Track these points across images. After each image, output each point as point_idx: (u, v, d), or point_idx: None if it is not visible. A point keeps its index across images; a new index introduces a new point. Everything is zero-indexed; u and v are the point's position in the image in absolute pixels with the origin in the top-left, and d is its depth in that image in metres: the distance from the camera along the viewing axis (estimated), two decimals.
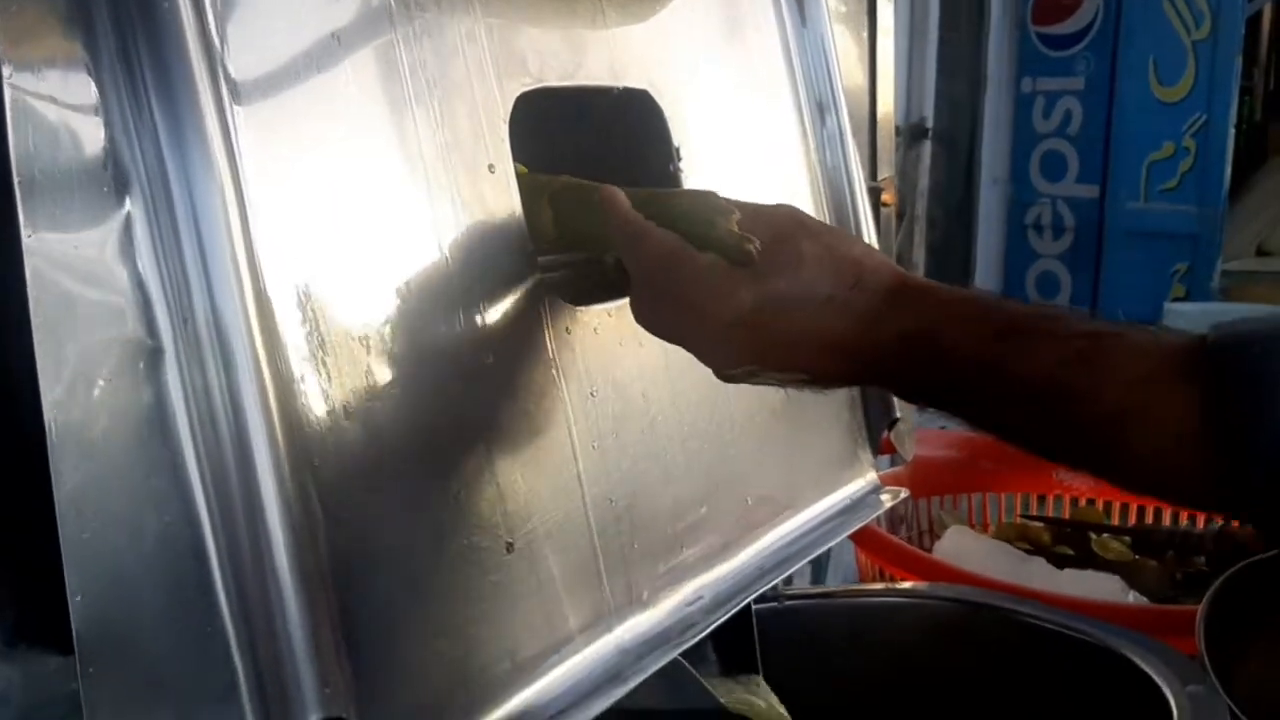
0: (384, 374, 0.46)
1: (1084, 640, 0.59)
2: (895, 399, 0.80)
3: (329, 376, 0.43)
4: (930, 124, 2.67)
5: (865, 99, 1.14)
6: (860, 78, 1.18)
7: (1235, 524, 0.87)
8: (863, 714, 0.69)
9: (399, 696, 0.44)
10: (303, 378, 0.42)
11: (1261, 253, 3.45)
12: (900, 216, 2.61)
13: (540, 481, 0.53)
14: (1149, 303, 3.16)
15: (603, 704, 0.51)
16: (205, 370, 0.39)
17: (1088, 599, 0.69)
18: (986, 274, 3.28)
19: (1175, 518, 0.92)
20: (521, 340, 0.53)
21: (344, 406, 0.44)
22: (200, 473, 0.39)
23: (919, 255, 2.71)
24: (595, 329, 0.58)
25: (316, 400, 0.42)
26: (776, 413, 0.71)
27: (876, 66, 1.25)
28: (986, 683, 0.65)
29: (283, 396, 0.41)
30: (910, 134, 2.60)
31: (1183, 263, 3.22)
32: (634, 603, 0.57)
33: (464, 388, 0.50)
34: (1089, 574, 0.78)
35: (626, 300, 0.57)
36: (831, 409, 0.77)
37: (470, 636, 0.48)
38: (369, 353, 0.45)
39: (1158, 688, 0.52)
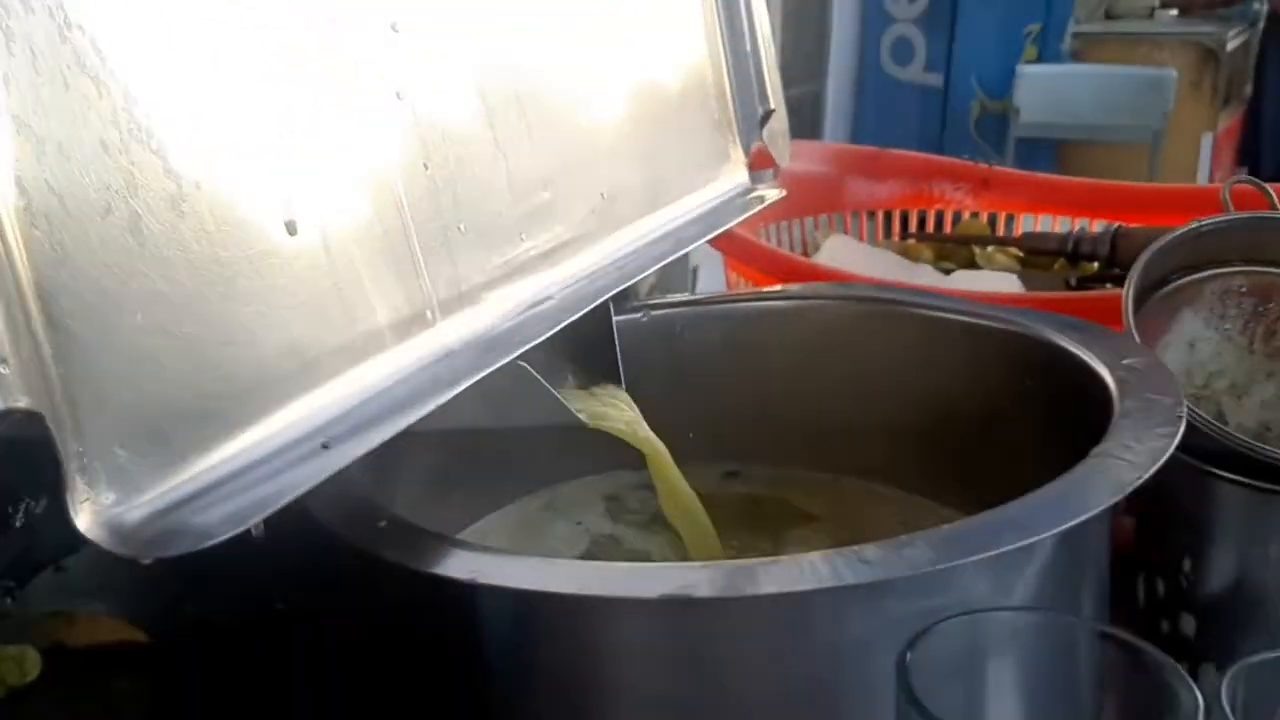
0: None
1: (997, 328, 0.51)
2: (770, 87, 0.69)
3: None
4: None
5: None
6: None
7: (1129, 223, 0.81)
8: (745, 432, 0.60)
9: (130, 389, 0.32)
10: None
11: (1110, 15, 3.44)
12: None
13: (325, 131, 0.40)
14: (1002, 65, 3.13)
15: (422, 410, 0.40)
16: None
17: (990, 292, 0.61)
18: (842, 41, 3.21)
19: (1064, 227, 0.85)
20: None
21: None
22: None
23: (775, 22, 2.57)
24: None
25: None
26: (636, 98, 0.59)
27: None
28: (889, 388, 0.56)
29: None
30: None
31: (1035, 24, 3.20)
32: (463, 298, 0.46)
33: None
34: (984, 274, 0.70)
35: None
36: (697, 97, 0.66)
37: (235, 325, 0.36)
38: None
39: (1087, 365, 0.44)
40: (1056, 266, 0.81)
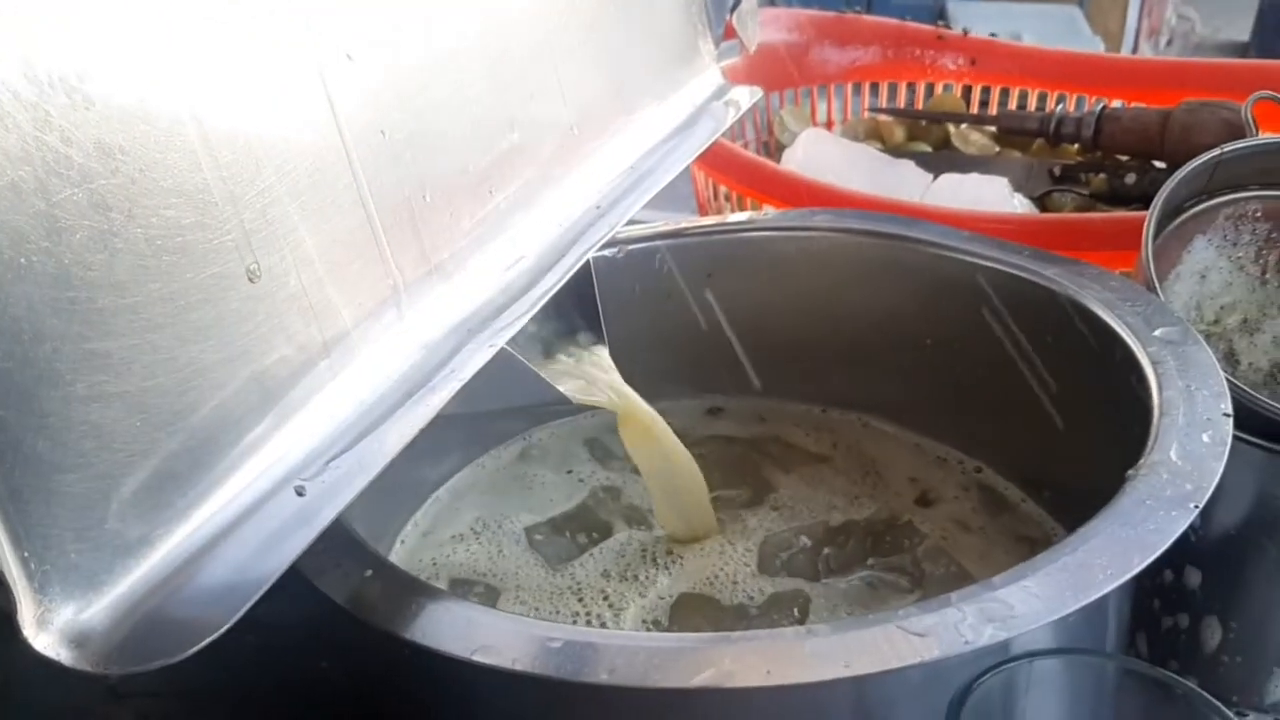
0: None
1: (1010, 274, 0.47)
2: None
3: None
4: None
5: None
6: None
7: (1127, 101, 0.76)
8: (728, 366, 0.57)
9: (77, 471, 0.28)
10: None
11: None
12: None
13: (270, 115, 0.34)
14: None
15: (407, 428, 0.36)
16: None
17: (990, 213, 0.57)
18: None
19: (1043, 100, 0.81)
20: None
21: None
22: None
23: None
24: None
25: None
26: None
27: None
28: (882, 322, 0.53)
29: None
30: None
31: None
32: (433, 274, 0.41)
33: None
34: (971, 178, 0.66)
35: None
36: None
37: (189, 369, 0.31)
38: None
39: (1117, 334, 0.42)
40: (1035, 147, 0.77)
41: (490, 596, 0.48)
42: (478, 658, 0.31)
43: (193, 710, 0.51)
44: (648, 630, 0.45)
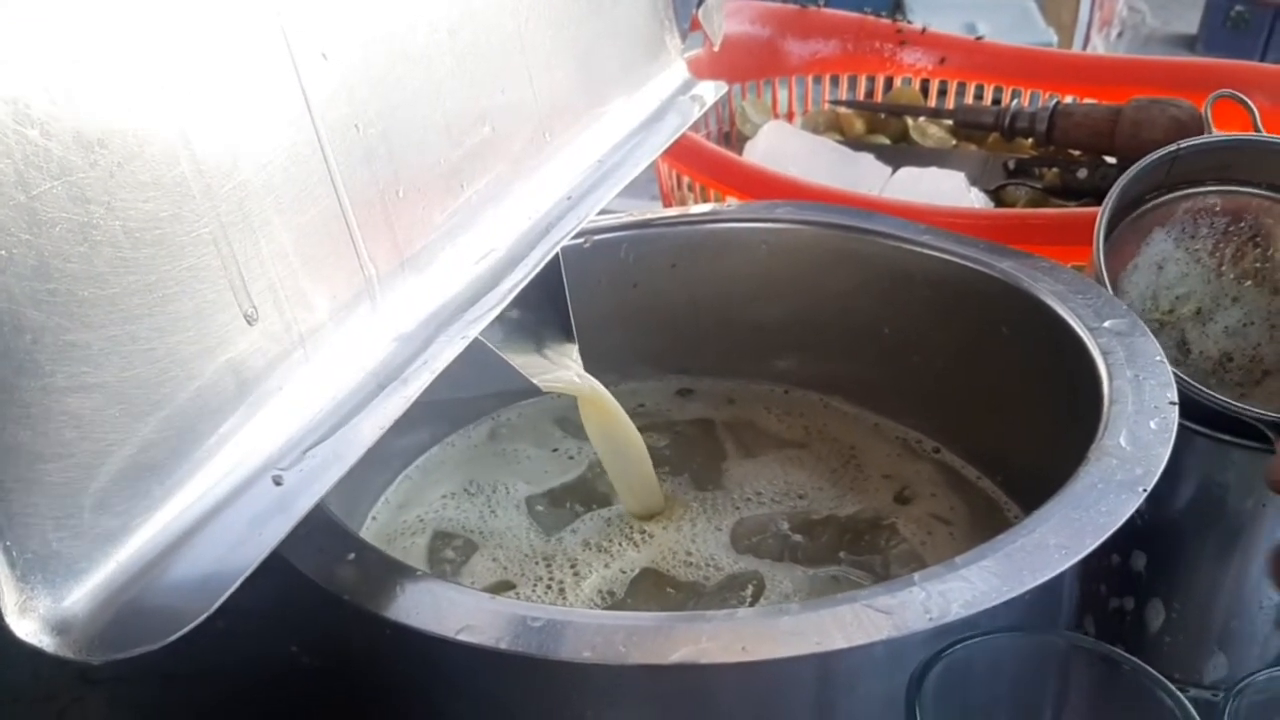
0: None
1: (969, 268, 0.49)
2: None
3: None
4: None
5: None
6: None
7: (1080, 96, 0.78)
8: (696, 349, 0.58)
9: (57, 460, 0.28)
10: None
11: None
12: None
13: (246, 112, 0.34)
14: None
15: (382, 418, 0.36)
16: None
17: (947, 207, 0.58)
18: None
19: (999, 94, 0.83)
20: None
21: None
22: None
23: None
24: None
25: None
26: None
27: None
28: (844, 310, 0.54)
29: None
30: None
31: None
32: (406, 267, 0.41)
33: None
34: (929, 172, 0.67)
35: None
36: None
37: (168, 359, 0.31)
38: None
39: (1068, 325, 0.43)
40: (990, 141, 0.79)
41: (468, 549, 0.49)
42: (462, 637, 0.32)
43: (162, 694, 0.51)
44: (603, 599, 0.47)
